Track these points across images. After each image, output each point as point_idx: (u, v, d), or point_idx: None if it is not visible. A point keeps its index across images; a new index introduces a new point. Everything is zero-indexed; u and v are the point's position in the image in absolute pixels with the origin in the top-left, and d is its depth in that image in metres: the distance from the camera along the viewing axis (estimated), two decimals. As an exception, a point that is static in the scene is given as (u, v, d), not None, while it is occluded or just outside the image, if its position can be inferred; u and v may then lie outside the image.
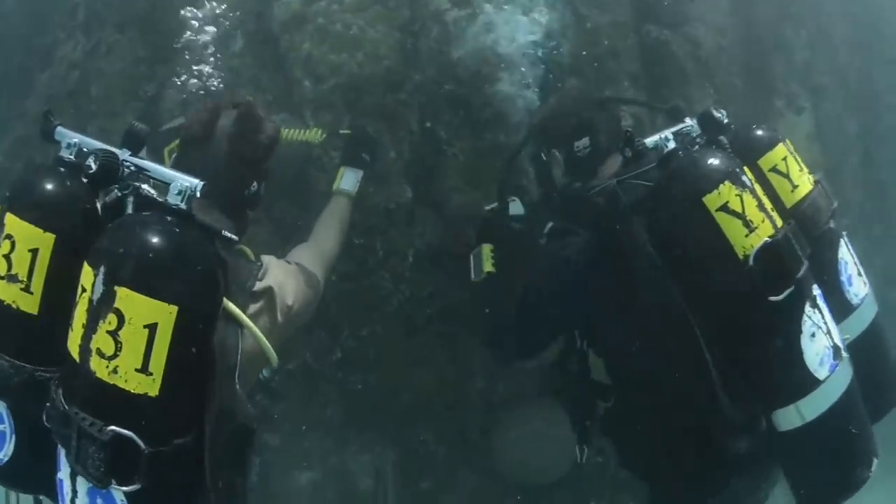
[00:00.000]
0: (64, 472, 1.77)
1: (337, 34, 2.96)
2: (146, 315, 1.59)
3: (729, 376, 2.09)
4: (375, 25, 2.98)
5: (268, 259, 2.18)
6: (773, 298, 2.02)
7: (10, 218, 1.83)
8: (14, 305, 1.82)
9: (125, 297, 1.60)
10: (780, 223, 2.12)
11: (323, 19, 2.99)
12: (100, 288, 1.63)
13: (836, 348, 2.14)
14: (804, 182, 2.38)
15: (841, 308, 2.34)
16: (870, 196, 4.33)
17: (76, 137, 1.93)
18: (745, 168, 2.15)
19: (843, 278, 2.40)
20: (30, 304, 1.82)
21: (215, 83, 2.98)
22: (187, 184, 1.73)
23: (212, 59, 3.00)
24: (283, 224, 2.96)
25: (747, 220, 2.06)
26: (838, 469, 2.17)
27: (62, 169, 1.89)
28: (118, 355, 1.60)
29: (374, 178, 2.90)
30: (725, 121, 2.25)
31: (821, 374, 2.09)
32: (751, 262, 2.03)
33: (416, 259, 2.97)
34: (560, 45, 2.99)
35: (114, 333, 1.60)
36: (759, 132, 2.41)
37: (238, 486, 1.85)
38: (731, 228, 2.05)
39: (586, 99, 2.68)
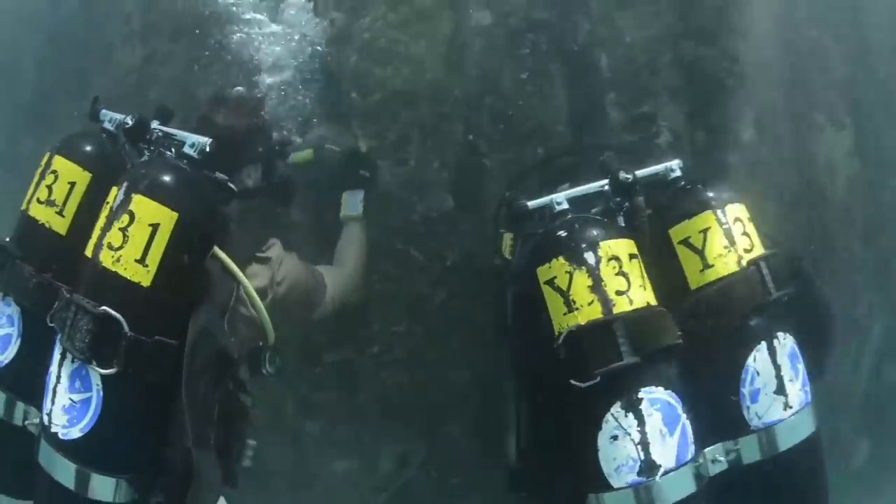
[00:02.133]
0: (54, 361, 2.03)
1: (381, 49, 3.07)
2: (152, 216, 1.96)
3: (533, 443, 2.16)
4: (419, 41, 3.08)
5: (276, 241, 2.49)
6: (574, 383, 1.94)
7: (56, 159, 2.28)
8: (47, 225, 2.24)
9: (138, 201, 1.99)
10: (623, 308, 1.98)
11: (368, 35, 3.09)
12: (120, 197, 2.02)
13: (649, 464, 1.93)
14: (722, 263, 2.15)
15: (730, 425, 2.12)
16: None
17: (117, 115, 2.39)
18: (623, 241, 2.08)
19: (745, 390, 2.11)
20: (60, 225, 2.24)
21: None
22: (198, 140, 2.19)
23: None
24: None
25: (570, 298, 1.99)
26: None
27: (103, 134, 2.39)
28: (123, 247, 1.95)
29: (413, 187, 3.03)
30: (630, 182, 2.19)
31: (615, 481, 1.94)
32: (560, 341, 1.97)
33: (454, 264, 3.06)
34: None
35: (124, 229, 1.96)
36: (688, 198, 2.25)
37: (207, 430, 1.98)
38: (553, 304, 2.02)
39: None
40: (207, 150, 2.18)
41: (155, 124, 2.35)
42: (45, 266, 2.22)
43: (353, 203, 2.93)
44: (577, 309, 1.99)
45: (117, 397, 1.94)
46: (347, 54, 3.11)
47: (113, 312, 1.91)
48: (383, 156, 3.05)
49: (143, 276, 1.92)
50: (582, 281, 2.00)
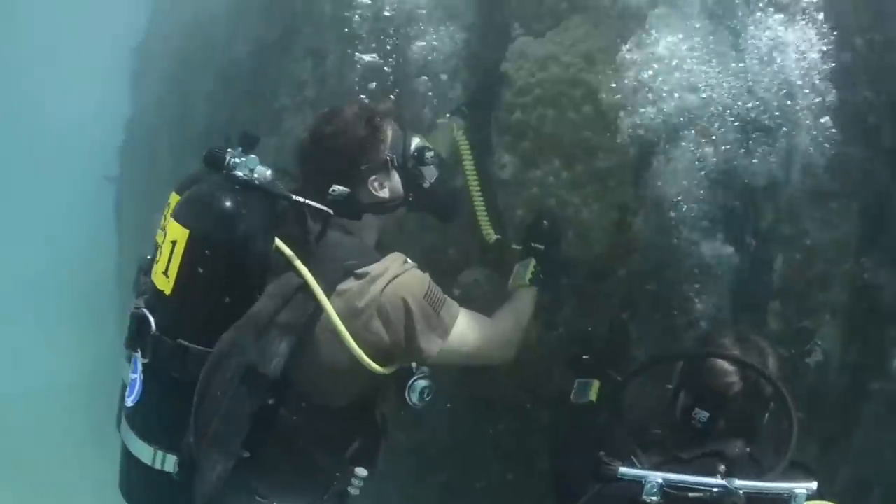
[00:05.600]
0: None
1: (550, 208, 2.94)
2: (173, 234, 2.20)
3: None
4: (591, 205, 2.95)
5: (395, 256, 2.35)
6: None
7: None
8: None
9: (170, 223, 2.24)
10: None
11: (538, 189, 2.98)
12: None
13: None
14: None
15: None
16: None
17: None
18: None
19: None
20: None
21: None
22: (253, 164, 2.23)
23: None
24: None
25: None
26: None
27: None
28: (158, 262, 2.25)
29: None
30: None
31: None
32: None
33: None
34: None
35: (162, 248, 2.25)
36: None
37: (228, 435, 2.16)
38: None
39: None
40: (257, 172, 2.22)
41: (237, 151, 2.28)
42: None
43: (523, 271, 2.80)
44: None
45: (152, 383, 2.27)
46: (513, 204, 3.00)
47: (145, 311, 2.24)
48: (536, 314, 2.97)
49: (166, 286, 2.20)
50: None
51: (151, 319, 2.22)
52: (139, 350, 2.26)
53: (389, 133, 2.47)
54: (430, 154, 2.52)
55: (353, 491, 2.37)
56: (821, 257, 2.93)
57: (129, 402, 2.31)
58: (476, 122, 3.13)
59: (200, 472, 2.16)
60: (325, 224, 2.30)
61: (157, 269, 2.23)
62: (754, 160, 2.90)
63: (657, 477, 2.08)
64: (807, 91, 2.88)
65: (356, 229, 2.42)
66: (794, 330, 2.93)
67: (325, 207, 2.27)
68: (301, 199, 2.25)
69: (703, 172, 2.89)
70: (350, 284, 2.23)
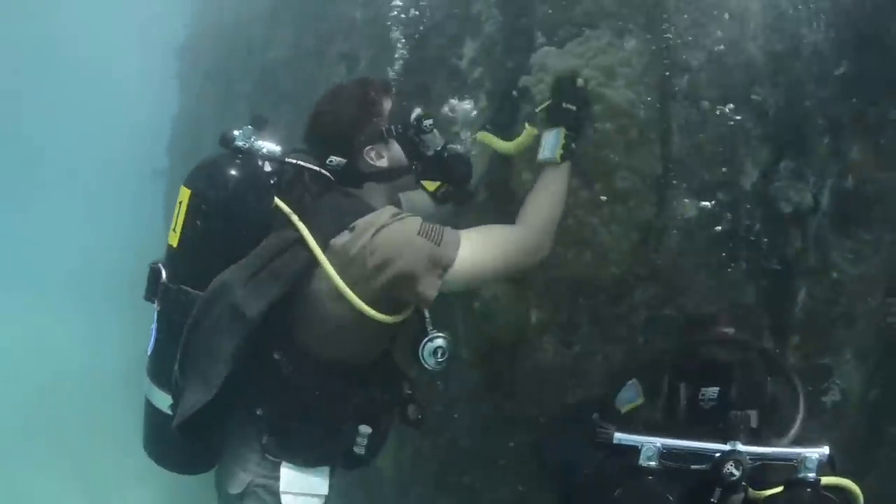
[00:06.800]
0: None
1: (566, 230, 2.86)
2: (181, 196, 2.45)
3: None
4: (610, 226, 2.88)
5: (387, 208, 2.41)
6: None
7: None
8: None
9: (181, 189, 2.46)
10: None
11: (556, 210, 2.89)
12: None
13: None
14: None
15: None
16: None
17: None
18: None
19: None
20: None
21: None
22: (249, 134, 2.46)
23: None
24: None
25: None
26: None
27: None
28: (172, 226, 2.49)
29: (568, 372, 2.95)
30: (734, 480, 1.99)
31: None
32: None
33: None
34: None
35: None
36: None
37: (210, 370, 2.31)
38: None
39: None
40: (256, 142, 2.46)
41: (248, 129, 2.48)
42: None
43: (551, 144, 2.63)
44: None
45: (162, 331, 2.51)
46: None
47: (158, 265, 2.51)
48: (551, 333, 2.96)
49: (174, 240, 2.46)
50: None
51: (163, 272, 2.49)
52: (154, 300, 2.51)
53: (386, 105, 2.56)
54: (428, 122, 2.58)
55: (358, 450, 2.48)
56: (848, 292, 2.81)
57: (148, 351, 2.56)
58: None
59: (180, 402, 2.36)
60: (325, 188, 2.50)
61: (170, 229, 2.50)
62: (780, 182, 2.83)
63: (655, 441, 2.02)
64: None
65: (360, 195, 2.52)
66: (811, 366, 2.81)
67: (323, 171, 2.49)
68: (295, 161, 2.49)
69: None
70: (343, 237, 2.32)
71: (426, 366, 2.38)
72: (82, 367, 10.23)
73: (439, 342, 2.36)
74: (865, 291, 2.81)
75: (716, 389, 2.25)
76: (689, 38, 2.87)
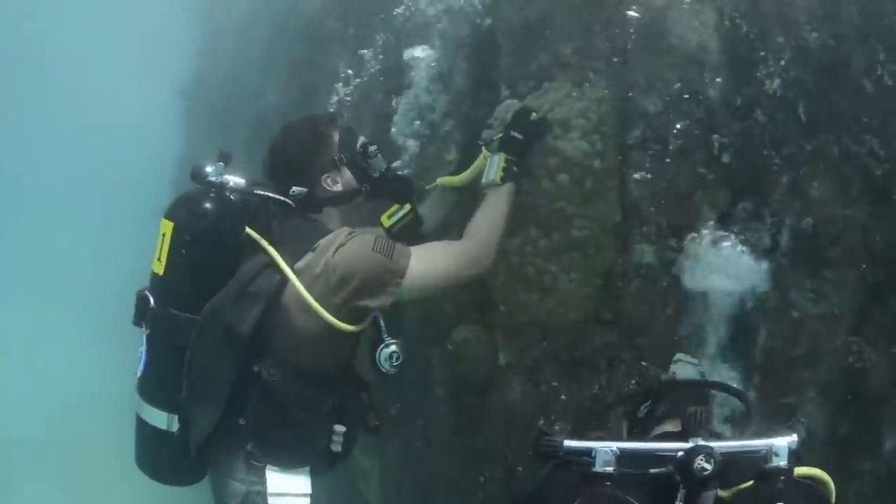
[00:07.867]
0: None
1: (528, 277, 2.96)
2: (163, 228, 2.62)
3: None
4: (569, 273, 2.94)
5: (343, 229, 2.68)
6: None
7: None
8: None
9: (163, 222, 2.64)
10: None
11: (517, 258, 2.99)
12: None
13: None
14: None
15: None
16: None
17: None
18: None
19: None
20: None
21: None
22: (220, 170, 2.64)
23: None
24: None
25: None
26: None
27: None
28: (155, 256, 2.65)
29: (539, 411, 3.03)
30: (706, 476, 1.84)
31: None
32: None
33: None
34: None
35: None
36: None
37: (214, 388, 2.56)
38: None
39: None
40: (226, 177, 2.64)
41: (216, 165, 2.67)
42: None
43: (493, 168, 2.84)
44: None
45: (152, 352, 2.68)
46: (494, 271, 3.01)
47: (146, 292, 2.67)
48: (518, 373, 3.06)
49: (159, 268, 2.63)
50: None
51: (151, 298, 2.66)
52: (142, 325, 2.68)
53: (335, 136, 2.84)
54: (372, 148, 2.87)
55: (335, 447, 2.70)
56: (809, 332, 2.81)
57: (138, 373, 2.72)
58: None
59: (193, 422, 2.60)
60: (288, 215, 2.72)
61: (154, 259, 2.66)
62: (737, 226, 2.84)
63: (611, 445, 1.87)
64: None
65: (319, 219, 2.79)
66: (774, 405, 2.82)
67: (286, 199, 2.72)
68: (261, 192, 2.71)
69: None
70: (308, 258, 2.60)
71: (382, 369, 2.70)
72: (90, 393, 10.43)
73: (393, 347, 2.68)
74: (828, 330, 2.82)
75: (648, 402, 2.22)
76: (647, 85, 2.90)
